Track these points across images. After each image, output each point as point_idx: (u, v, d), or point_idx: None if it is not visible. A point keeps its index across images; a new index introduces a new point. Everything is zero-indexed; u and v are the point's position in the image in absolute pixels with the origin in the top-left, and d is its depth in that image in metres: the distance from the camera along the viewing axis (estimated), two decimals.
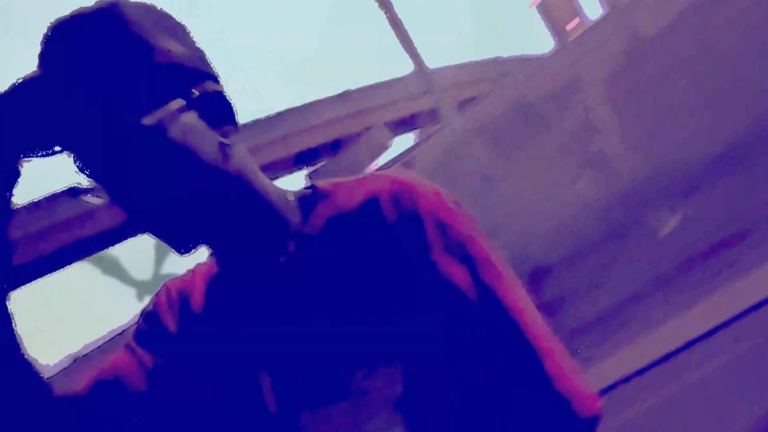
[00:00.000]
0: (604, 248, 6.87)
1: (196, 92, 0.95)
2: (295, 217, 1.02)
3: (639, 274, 6.02)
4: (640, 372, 3.26)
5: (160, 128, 0.91)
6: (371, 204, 0.99)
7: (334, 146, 23.06)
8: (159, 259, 39.29)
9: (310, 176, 24.24)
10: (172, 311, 1.03)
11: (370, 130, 22.02)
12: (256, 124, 21.83)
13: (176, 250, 0.95)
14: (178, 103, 0.93)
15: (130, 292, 38.84)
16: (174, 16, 0.96)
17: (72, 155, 0.91)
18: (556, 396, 0.93)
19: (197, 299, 1.03)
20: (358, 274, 0.96)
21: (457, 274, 0.93)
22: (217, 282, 1.03)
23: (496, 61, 20.48)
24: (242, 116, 1.09)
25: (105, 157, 0.90)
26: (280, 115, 21.97)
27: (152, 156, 0.91)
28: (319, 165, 23.58)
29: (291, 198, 1.04)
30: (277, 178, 24.36)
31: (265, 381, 0.95)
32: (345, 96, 22.80)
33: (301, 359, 0.93)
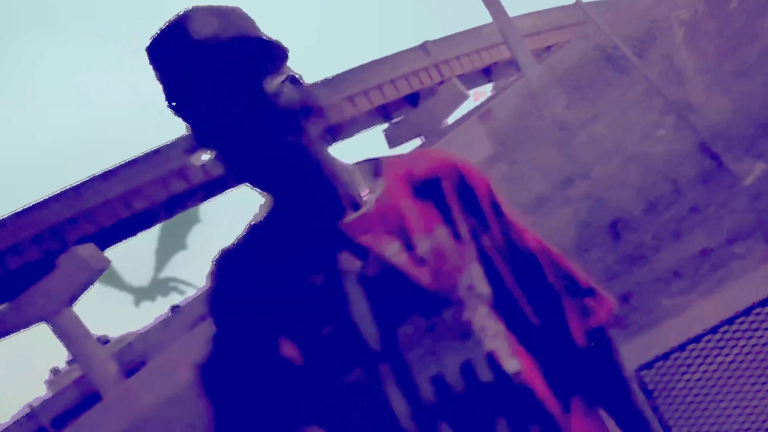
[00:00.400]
0: (687, 196, 6.74)
1: (289, 69, 1.20)
2: (362, 182, 1.24)
3: (723, 222, 5.90)
4: (729, 321, 3.22)
5: (275, 95, 1.18)
6: (450, 168, 1.28)
7: (413, 99, 22.97)
8: (159, 266, 39.68)
9: (387, 132, 24.25)
10: (246, 261, 1.21)
11: (447, 82, 21.86)
12: (336, 80, 21.87)
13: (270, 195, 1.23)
14: (282, 76, 1.19)
15: (127, 298, 39.05)
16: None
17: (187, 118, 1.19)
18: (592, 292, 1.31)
19: (265, 244, 1.23)
20: (440, 213, 1.24)
21: (517, 220, 1.29)
22: (281, 229, 1.24)
23: (576, 7, 19.99)
24: None
25: (224, 115, 1.17)
26: (358, 70, 21.98)
27: (265, 114, 1.17)
28: (398, 118, 23.55)
29: (352, 168, 1.25)
30: (358, 132, 24.42)
31: (355, 297, 1.18)
32: (423, 48, 22.62)
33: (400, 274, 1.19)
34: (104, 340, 22.05)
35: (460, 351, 1.20)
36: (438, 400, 1.17)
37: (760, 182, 6.17)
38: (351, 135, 25.22)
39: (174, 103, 1.19)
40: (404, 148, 20.55)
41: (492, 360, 1.21)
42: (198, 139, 1.20)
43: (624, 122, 9.23)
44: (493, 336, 1.22)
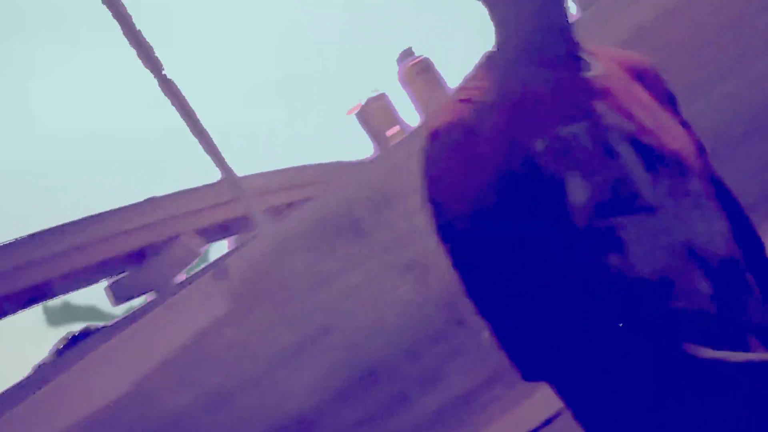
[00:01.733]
0: (439, 345, 7.00)
1: None
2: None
3: (479, 368, 6.17)
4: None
5: None
6: (652, 64, 1.43)
7: (139, 255, 22.33)
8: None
9: (112, 287, 23.28)
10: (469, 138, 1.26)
11: (178, 238, 21.56)
12: (53, 231, 20.86)
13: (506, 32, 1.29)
14: None
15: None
16: None
17: None
18: None
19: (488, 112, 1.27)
20: (656, 98, 1.37)
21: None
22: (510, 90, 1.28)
23: (308, 167, 20.80)
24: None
25: None
26: (80, 223, 21.15)
27: None
28: (122, 275, 22.72)
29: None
30: (75, 290, 23.21)
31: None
32: (150, 203, 22.29)
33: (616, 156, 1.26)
34: None
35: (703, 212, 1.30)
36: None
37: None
38: (67, 292, 23.95)
39: None
40: (133, 303, 19.79)
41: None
42: None
43: (365, 278, 9.52)
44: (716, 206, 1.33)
